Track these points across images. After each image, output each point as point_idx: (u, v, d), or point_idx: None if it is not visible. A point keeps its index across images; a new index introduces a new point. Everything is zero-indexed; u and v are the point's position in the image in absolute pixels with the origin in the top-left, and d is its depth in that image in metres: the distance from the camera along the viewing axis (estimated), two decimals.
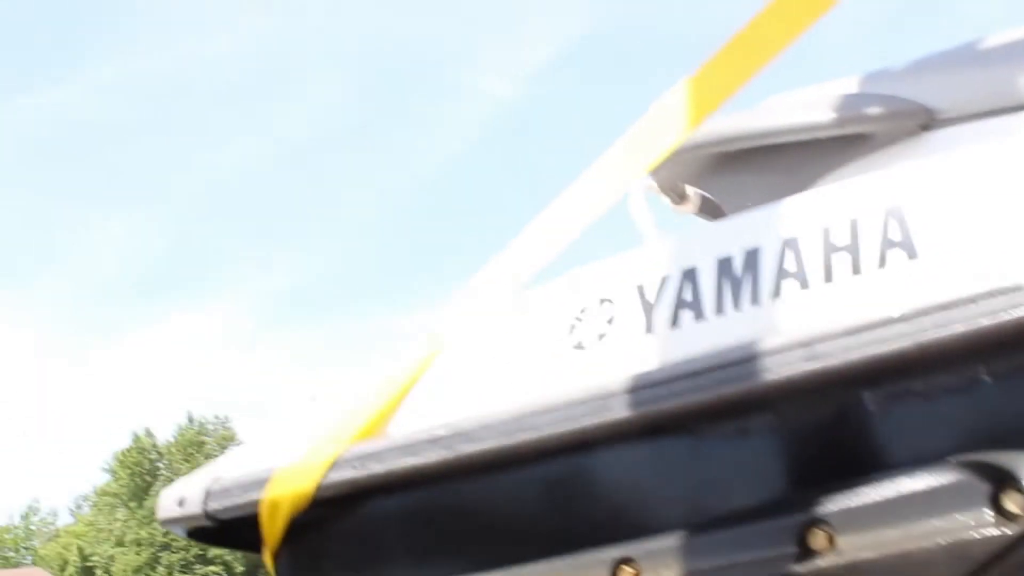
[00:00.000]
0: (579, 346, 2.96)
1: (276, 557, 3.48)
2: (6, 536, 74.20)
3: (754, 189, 3.52)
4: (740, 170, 3.54)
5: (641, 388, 2.73)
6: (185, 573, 54.65)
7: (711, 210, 4.00)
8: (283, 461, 3.41)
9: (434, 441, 3.06)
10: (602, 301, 2.97)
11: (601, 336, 2.93)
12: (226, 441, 63.47)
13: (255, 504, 3.41)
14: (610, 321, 2.93)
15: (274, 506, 3.39)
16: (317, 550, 3.43)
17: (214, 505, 3.54)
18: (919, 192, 2.62)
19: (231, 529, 3.59)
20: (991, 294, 2.31)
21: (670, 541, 2.70)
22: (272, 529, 3.42)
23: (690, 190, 3.90)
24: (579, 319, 2.99)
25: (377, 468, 3.17)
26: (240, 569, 56.68)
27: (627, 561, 2.74)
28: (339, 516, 3.34)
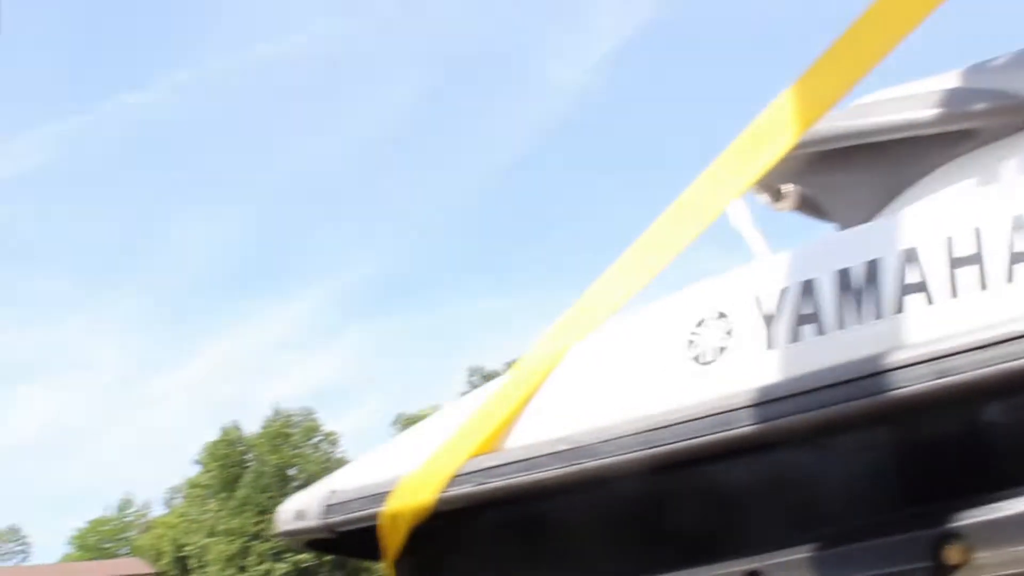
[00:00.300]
0: (698, 359, 2.96)
1: (397, 567, 3.53)
2: (103, 528, 75.83)
3: (855, 187, 3.50)
4: (840, 168, 3.51)
5: (765, 403, 2.72)
6: (277, 561, 55.39)
7: (809, 208, 3.97)
8: (401, 475, 3.46)
9: (555, 455, 3.08)
10: (720, 315, 2.96)
11: (721, 349, 2.92)
12: (311, 432, 64.23)
13: (374, 516, 3.47)
14: (729, 334, 2.92)
15: (395, 518, 3.45)
16: (436, 560, 3.49)
17: (334, 518, 3.61)
18: None
19: (349, 540, 3.67)
20: None
21: (799, 554, 2.70)
22: (393, 540, 3.48)
23: (788, 188, 3.88)
24: (697, 333, 2.99)
25: (498, 482, 3.20)
26: (329, 557, 57.33)
27: (755, 574, 2.74)
28: (459, 528, 3.38)
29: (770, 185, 3.80)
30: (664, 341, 3.06)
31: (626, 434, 2.94)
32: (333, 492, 3.66)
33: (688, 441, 2.81)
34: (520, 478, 3.14)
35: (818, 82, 3.24)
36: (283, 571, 55.76)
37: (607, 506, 3.09)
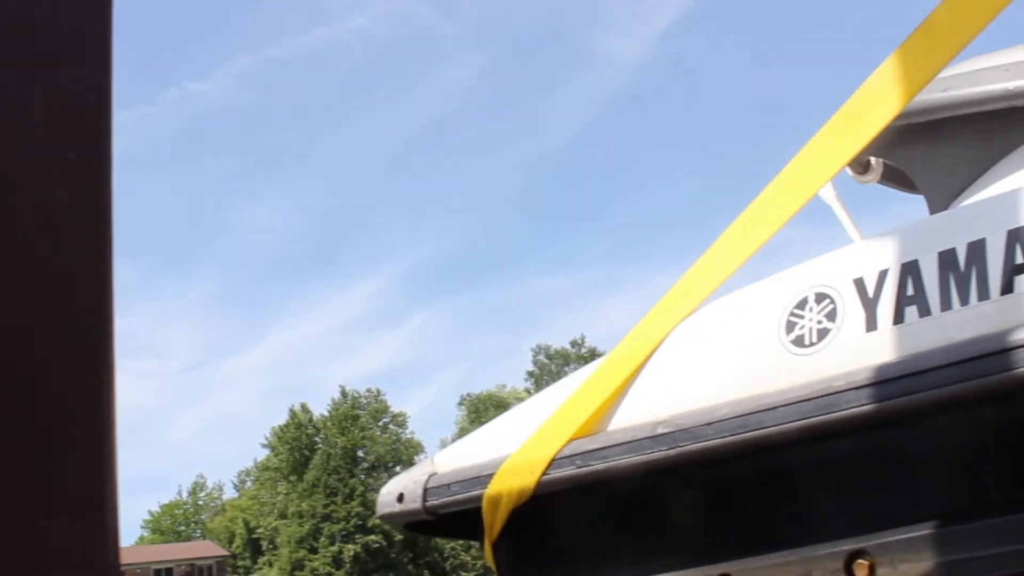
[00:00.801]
0: (798, 341, 2.98)
1: (496, 548, 3.60)
2: (176, 511, 77.05)
3: (944, 159, 3.49)
4: (929, 140, 3.50)
5: (869, 385, 2.74)
6: (346, 542, 55.96)
7: (895, 180, 3.97)
8: (500, 457, 3.52)
9: (656, 439, 3.12)
10: (820, 297, 2.98)
11: (822, 332, 2.94)
12: (379, 414, 64.78)
13: (475, 499, 3.54)
14: (830, 316, 2.94)
15: (495, 501, 3.51)
16: (537, 542, 3.55)
17: (433, 500, 3.68)
18: None
19: (448, 521, 3.74)
20: None
21: (904, 534, 2.72)
22: (493, 522, 3.55)
23: (874, 161, 3.88)
24: (797, 315, 3.01)
25: (598, 465, 3.25)
26: (399, 537, 57.85)
27: (861, 553, 2.76)
28: (559, 510, 3.44)
29: (857, 159, 3.80)
30: (764, 323, 3.08)
31: (728, 416, 2.98)
32: (433, 475, 3.73)
33: (791, 423, 2.84)
34: (621, 461, 3.19)
35: (920, 52, 3.21)
36: (353, 552, 56.29)
37: (708, 489, 3.13)
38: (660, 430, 3.12)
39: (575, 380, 3.57)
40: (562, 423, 3.44)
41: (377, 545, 56.82)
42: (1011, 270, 2.65)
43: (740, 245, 3.37)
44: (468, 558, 55.76)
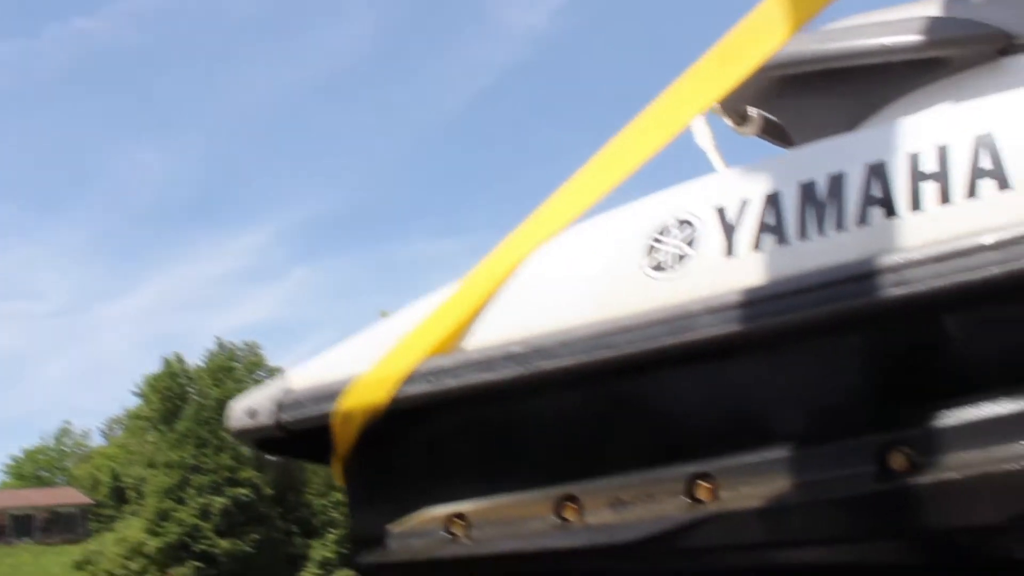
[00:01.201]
0: (657, 266, 2.98)
1: (346, 467, 3.54)
2: (40, 457, 75.34)
3: (821, 112, 3.51)
4: (807, 93, 3.52)
5: (723, 309, 2.75)
6: (215, 495, 55.33)
7: (774, 132, 3.99)
8: (355, 374, 3.46)
9: (510, 357, 3.10)
10: (682, 223, 2.99)
11: (681, 257, 2.94)
12: (254, 367, 64.03)
13: (327, 415, 3.47)
14: (690, 243, 2.94)
15: (347, 417, 3.45)
16: (387, 461, 3.50)
17: (286, 416, 3.60)
18: (1011, 120, 2.61)
19: (300, 440, 3.66)
20: None
21: (748, 458, 2.74)
22: (343, 440, 3.49)
23: (753, 112, 3.90)
24: (658, 240, 3.00)
25: (452, 382, 3.21)
26: (269, 492, 57.39)
27: (704, 476, 2.78)
28: (411, 428, 3.40)
29: (735, 109, 3.82)
30: (624, 248, 3.07)
31: (582, 337, 2.96)
32: (286, 390, 3.65)
33: (644, 344, 2.84)
34: (474, 378, 3.15)
35: (787, 2, 3.23)
36: (222, 504, 55.68)
37: (558, 409, 3.11)
38: (514, 349, 3.09)
39: (435, 299, 3.52)
40: (418, 340, 3.40)
41: (246, 499, 56.28)
42: (868, 202, 2.67)
43: (605, 174, 3.36)
44: (337, 515, 55.55)
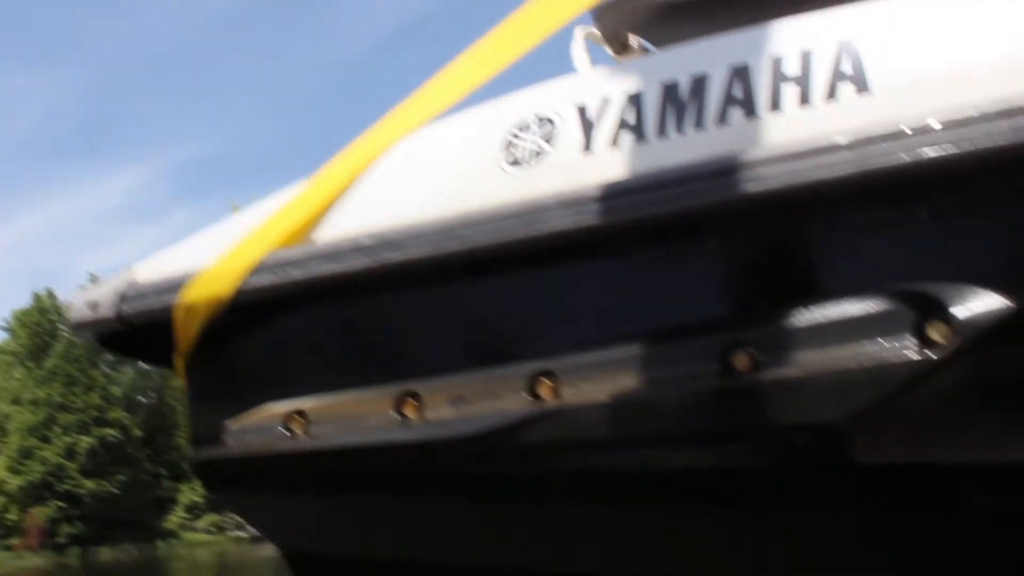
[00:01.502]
0: (515, 162, 2.91)
1: (187, 362, 3.41)
2: None
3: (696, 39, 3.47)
4: (686, 21, 3.48)
5: (575, 203, 2.69)
6: (82, 434, 54.15)
7: None
8: (201, 265, 3.33)
9: (358, 249, 3.00)
10: (541, 120, 2.91)
11: (538, 153, 2.88)
12: None
13: (169, 308, 3.34)
14: (548, 139, 2.87)
15: (189, 310, 3.32)
16: (229, 356, 3.38)
17: (127, 308, 3.45)
18: (872, 28, 2.59)
19: (142, 335, 3.52)
20: (944, 126, 2.30)
21: (592, 356, 2.69)
22: (185, 334, 3.35)
23: (633, 40, 3.84)
24: (516, 136, 2.93)
25: (297, 274, 3.10)
26: (138, 433, 56.42)
27: (547, 374, 2.72)
28: (254, 322, 3.28)
29: (616, 37, 3.76)
30: (482, 143, 2.99)
31: (430, 229, 2.88)
32: (130, 282, 3.50)
33: (491, 237, 2.77)
34: (320, 270, 3.05)
35: None
36: (88, 444, 54.55)
37: (406, 304, 3.03)
38: (364, 241, 3.00)
39: (290, 193, 3.40)
40: (267, 233, 3.27)
41: (114, 439, 55.20)
42: (729, 102, 2.63)
43: (471, 73, 3.28)
44: None
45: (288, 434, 3.15)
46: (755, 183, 2.47)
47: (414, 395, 2.92)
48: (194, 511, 57.70)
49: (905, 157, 2.32)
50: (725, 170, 2.51)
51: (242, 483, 3.40)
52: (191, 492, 57.12)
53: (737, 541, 2.73)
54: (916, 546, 2.57)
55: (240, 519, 4.50)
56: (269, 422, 3.20)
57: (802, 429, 2.44)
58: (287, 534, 3.61)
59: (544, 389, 2.72)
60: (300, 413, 3.15)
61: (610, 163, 2.74)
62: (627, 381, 2.62)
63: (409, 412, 2.93)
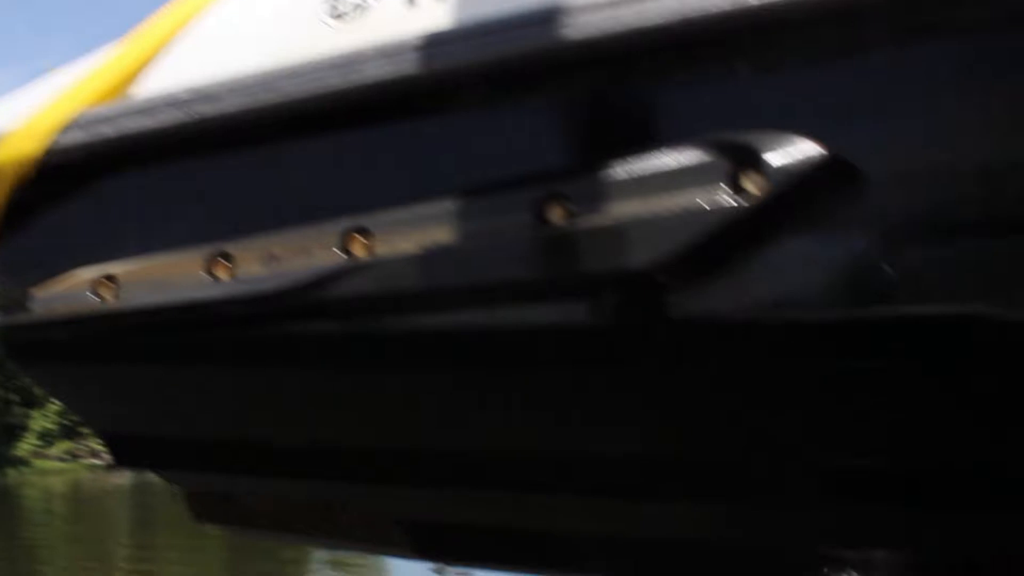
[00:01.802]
0: (337, 15, 2.80)
1: None
2: None
3: None
4: None
5: (392, 55, 2.61)
6: None
7: None
8: (7, 127, 3.16)
9: (172, 104, 2.88)
10: None
11: (360, 6, 2.78)
12: None
13: None
14: None
15: None
16: (41, 221, 3.22)
17: None
18: None
19: None
20: None
21: (407, 212, 2.62)
22: None
23: None
24: None
25: (109, 132, 2.97)
26: None
27: (360, 230, 2.65)
28: (64, 184, 3.13)
29: None
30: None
31: (246, 82, 2.78)
32: None
33: (306, 88, 2.68)
34: (132, 126, 2.92)
35: None
36: None
37: (220, 160, 2.91)
38: (178, 96, 2.87)
39: (105, 52, 3.24)
40: (81, 90, 3.12)
41: None
42: None
43: None
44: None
45: (97, 299, 3.02)
46: (573, 32, 2.41)
47: (226, 255, 2.82)
48: (46, 438, 56.46)
49: (726, 6, 2.28)
50: (542, 19, 2.45)
51: (49, 353, 3.26)
52: (43, 419, 55.86)
53: (557, 401, 2.70)
54: (737, 405, 2.56)
55: (63, 405, 4.35)
56: (78, 288, 3.07)
57: (613, 279, 2.42)
58: (101, 412, 3.50)
59: (357, 245, 2.64)
60: (110, 278, 3.02)
61: (434, 16, 2.65)
62: (441, 235, 2.56)
63: (220, 272, 2.83)
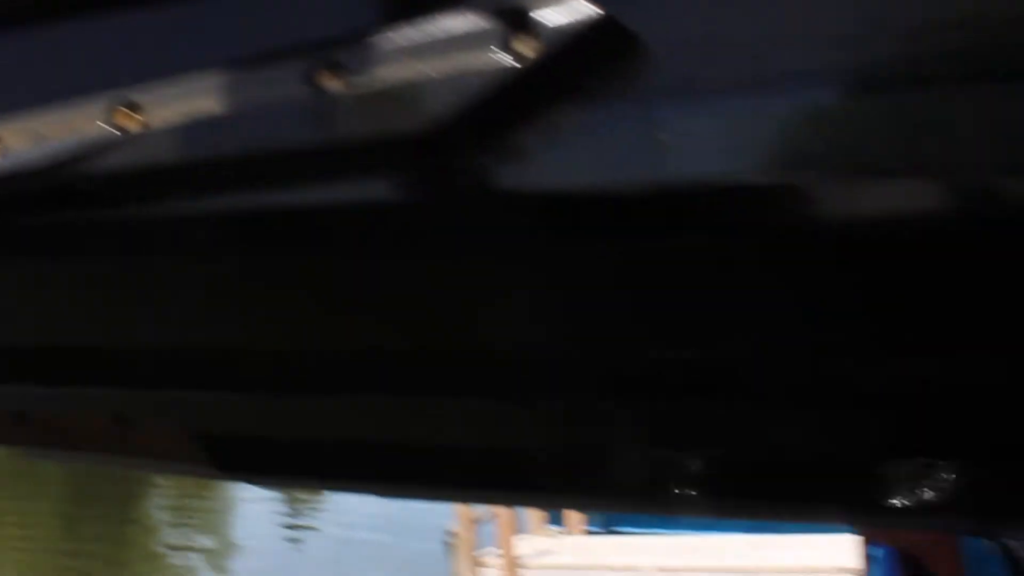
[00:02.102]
0: None
1: None
2: None
3: None
4: None
5: None
6: None
7: None
8: None
9: None
10: None
11: None
12: None
13: None
14: None
15: None
16: None
17: None
18: None
19: None
20: None
21: (175, 85, 2.47)
22: None
23: None
24: None
25: None
26: None
27: (128, 104, 2.49)
28: None
29: None
30: None
31: None
32: None
33: None
34: None
35: None
36: None
37: None
38: None
39: None
40: None
41: None
42: None
43: None
44: None
45: None
46: None
47: None
48: None
49: None
50: None
51: None
52: None
53: (340, 290, 2.58)
54: (521, 291, 2.45)
55: None
56: None
57: (386, 143, 2.30)
58: None
59: (124, 118, 2.49)
60: None
61: None
62: (213, 104, 2.42)
63: None
